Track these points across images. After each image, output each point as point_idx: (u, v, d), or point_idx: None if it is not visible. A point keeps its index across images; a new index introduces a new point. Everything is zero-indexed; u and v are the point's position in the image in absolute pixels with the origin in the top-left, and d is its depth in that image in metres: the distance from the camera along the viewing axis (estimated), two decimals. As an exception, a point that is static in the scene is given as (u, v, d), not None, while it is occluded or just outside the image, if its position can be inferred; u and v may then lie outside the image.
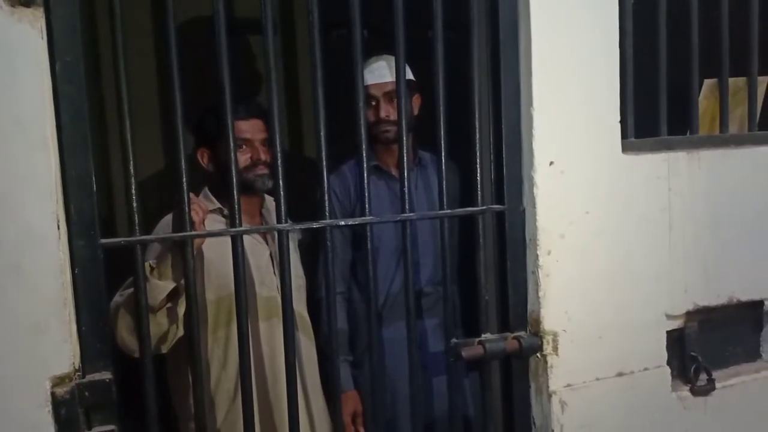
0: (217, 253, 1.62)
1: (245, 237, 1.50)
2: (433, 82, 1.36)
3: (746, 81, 1.65)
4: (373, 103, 1.90)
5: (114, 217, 2.42)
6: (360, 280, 1.95)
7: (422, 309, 1.95)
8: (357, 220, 1.35)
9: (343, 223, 1.37)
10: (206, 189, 1.76)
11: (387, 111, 1.88)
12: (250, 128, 1.70)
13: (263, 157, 1.70)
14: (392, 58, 1.84)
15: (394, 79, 1.83)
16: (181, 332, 1.53)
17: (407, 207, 1.35)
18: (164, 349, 1.56)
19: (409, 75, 1.93)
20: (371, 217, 1.33)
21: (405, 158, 1.35)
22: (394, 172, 1.96)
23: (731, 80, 1.63)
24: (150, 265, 1.47)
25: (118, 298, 1.50)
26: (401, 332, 1.49)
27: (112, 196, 2.41)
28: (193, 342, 1.24)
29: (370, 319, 1.36)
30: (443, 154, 1.37)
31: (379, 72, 1.88)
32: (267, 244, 1.78)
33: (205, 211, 1.53)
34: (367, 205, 1.33)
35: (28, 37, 1.05)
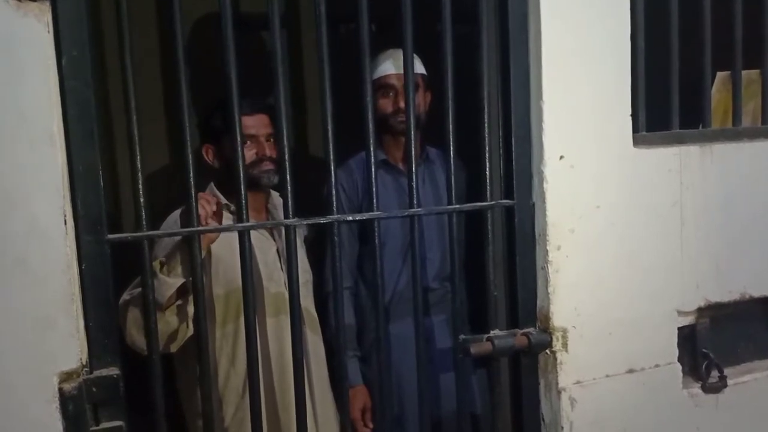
0: (224, 249, 1.62)
1: (252, 233, 1.51)
2: (441, 76, 1.35)
3: (759, 73, 1.63)
4: (391, 94, 1.91)
5: (120, 214, 2.42)
6: (366, 275, 1.94)
7: (429, 305, 1.94)
8: (364, 215, 1.34)
9: (351, 218, 1.36)
10: (212, 185, 1.76)
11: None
12: (256, 123, 1.69)
13: (269, 152, 1.69)
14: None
15: (414, 70, 1.87)
16: (190, 331, 1.53)
17: (414, 202, 1.34)
18: (173, 348, 1.56)
19: (423, 70, 1.93)
20: (379, 212, 1.32)
21: (412, 152, 1.34)
22: (402, 166, 1.95)
23: (744, 73, 1.61)
24: (160, 262, 1.47)
25: (126, 296, 1.50)
26: (408, 328, 1.48)
27: (118, 192, 2.40)
28: (200, 338, 1.24)
29: (377, 314, 1.36)
30: (452, 148, 1.36)
31: (399, 63, 1.87)
32: (274, 239, 1.77)
33: (213, 204, 1.51)
34: (375, 200, 1.32)
35: (34, 32, 1.04)
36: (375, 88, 1.87)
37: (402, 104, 1.85)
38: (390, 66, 1.89)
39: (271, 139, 1.71)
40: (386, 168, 1.95)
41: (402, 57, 1.85)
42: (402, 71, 1.80)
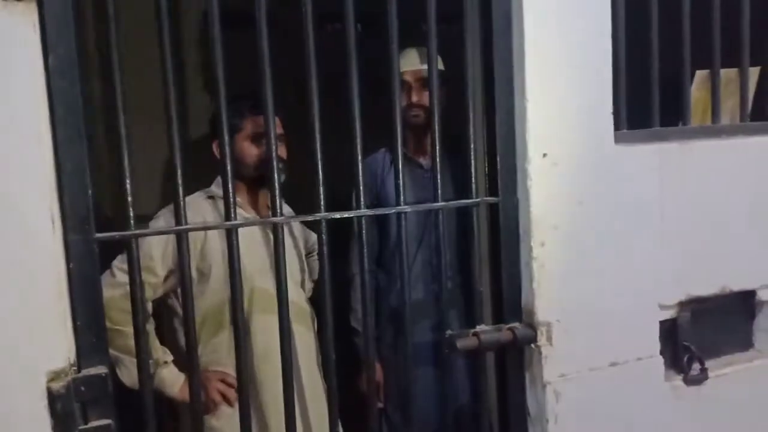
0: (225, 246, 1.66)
1: (255, 228, 1.57)
2: (428, 75, 1.36)
3: (738, 72, 1.66)
4: (405, 89, 1.97)
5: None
6: (383, 263, 2.07)
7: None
8: (351, 213, 1.35)
9: (338, 215, 1.37)
10: (219, 179, 1.79)
11: (419, 95, 1.97)
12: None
13: (279, 152, 1.73)
14: (423, 48, 1.93)
15: (425, 67, 1.94)
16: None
17: (402, 199, 1.36)
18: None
19: (440, 65, 1.98)
20: (365, 210, 1.34)
21: (398, 150, 1.35)
22: (421, 160, 2.05)
23: (723, 71, 1.64)
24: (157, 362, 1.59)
25: (115, 270, 1.60)
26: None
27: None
28: (189, 342, 1.25)
29: (365, 310, 1.37)
30: (437, 146, 1.37)
31: (413, 60, 1.98)
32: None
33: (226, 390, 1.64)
34: (360, 197, 1.34)
35: (20, 31, 1.04)
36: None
37: (415, 99, 1.96)
38: (404, 63, 1.95)
39: (283, 140, 1.77)
40: (406, 162, 2.00)
41: (415, 55, 1.96)
42: (415, 67, 1.95)
